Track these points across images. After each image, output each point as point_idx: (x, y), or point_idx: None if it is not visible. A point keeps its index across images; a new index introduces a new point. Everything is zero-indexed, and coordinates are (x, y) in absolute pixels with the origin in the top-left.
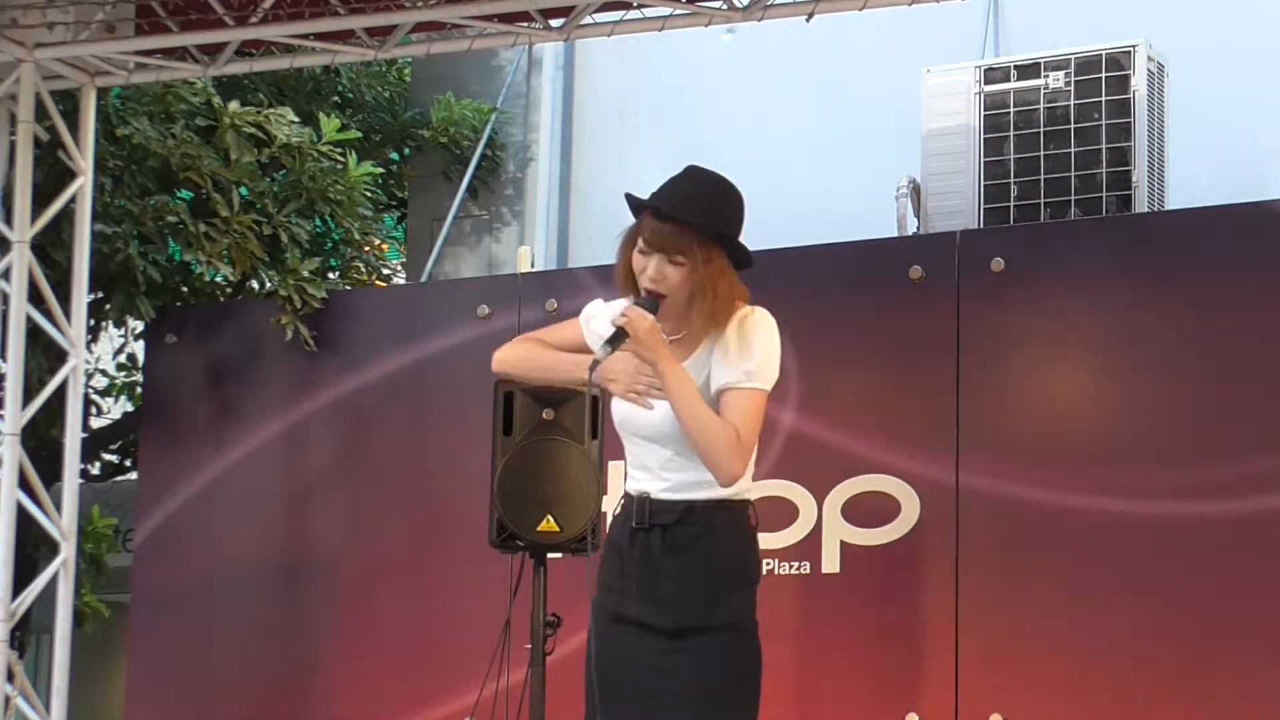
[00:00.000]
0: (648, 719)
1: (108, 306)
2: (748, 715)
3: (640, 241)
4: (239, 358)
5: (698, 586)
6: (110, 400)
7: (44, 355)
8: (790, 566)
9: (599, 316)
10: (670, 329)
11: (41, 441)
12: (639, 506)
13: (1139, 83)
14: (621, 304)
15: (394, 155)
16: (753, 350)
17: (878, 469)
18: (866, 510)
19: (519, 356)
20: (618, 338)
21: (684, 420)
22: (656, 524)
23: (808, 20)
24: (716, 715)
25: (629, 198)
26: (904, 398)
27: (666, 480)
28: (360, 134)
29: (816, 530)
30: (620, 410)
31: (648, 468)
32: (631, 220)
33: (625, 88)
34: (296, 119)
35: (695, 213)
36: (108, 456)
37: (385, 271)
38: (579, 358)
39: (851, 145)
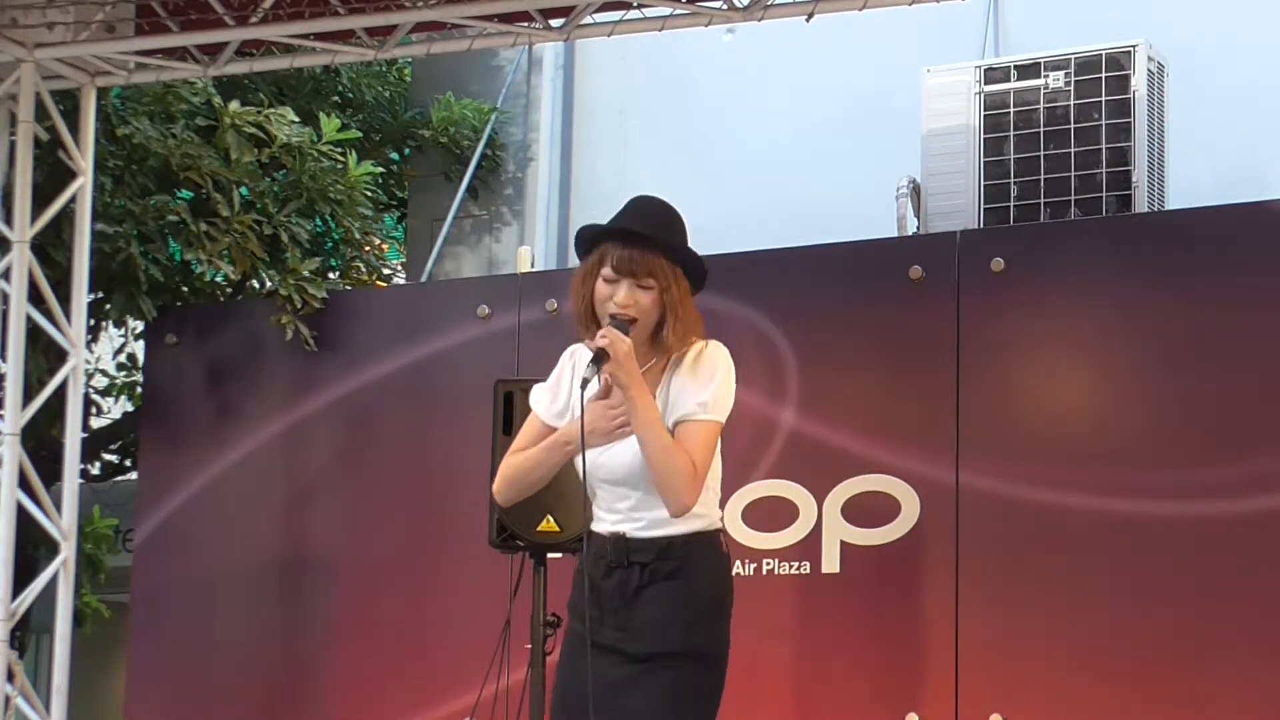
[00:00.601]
0: None
1: (108, 306)
2: None
3: (607, 270)
4: (239, 358)
5: (674, 614)
6: (110, 400)
7: (44, 355)
8: (790, 566)
9: (543, 388)
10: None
11: (41, 441)
12: (615, 545)
13: (1139, 83)
14: (563, 366)
15: (394, 155)
16: (709, 383)
17: (878, 469)
18: (866, 510)
19: (507, 480)
20: (599, 359)
21: (648, 446)
22: (635, 561)
23: (808, 20)
24: None
25: (583, 230)
26: (904, 398)
27: (640, 520)
28: (360, 134)
29: (816, 530)
30: (590, 459)
31: (617, 510)
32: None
33: (625, 88)
34: (297, 119)
35: (661, 235)
36: (108, 456)
37: (385, 271)
38: (551, 438)
39: (851, 145)
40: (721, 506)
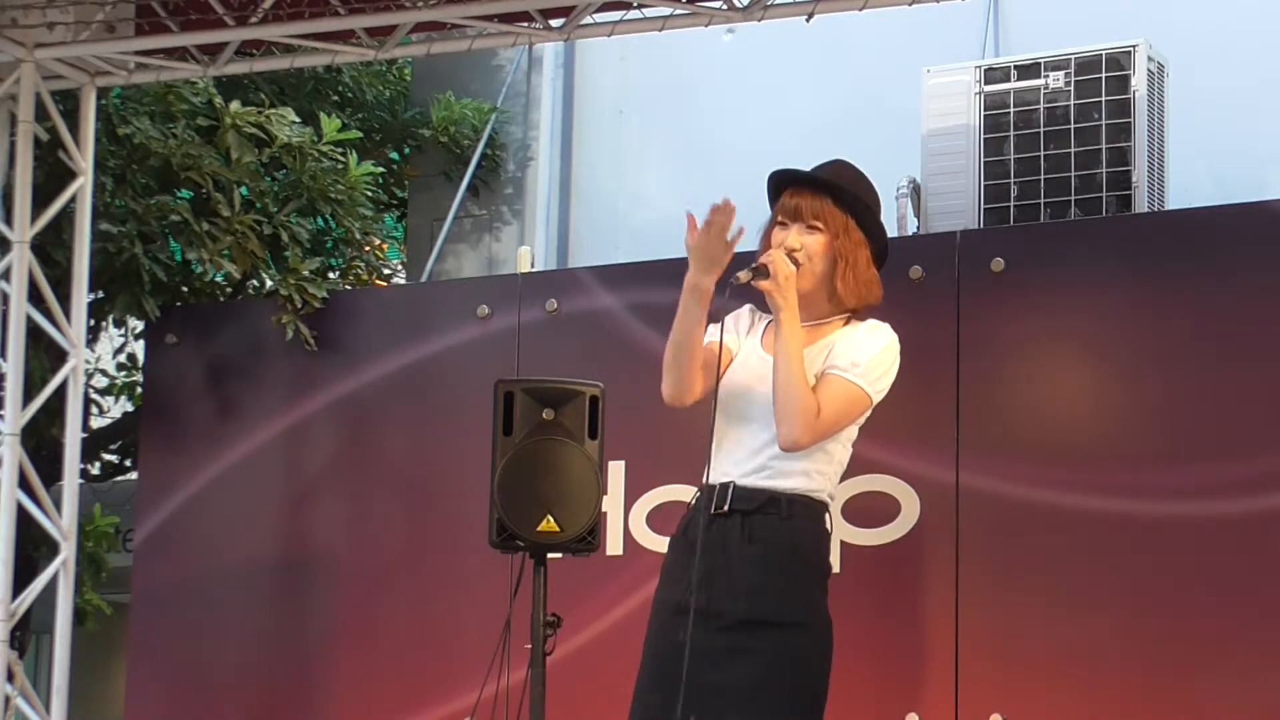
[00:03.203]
0: (700, 708)
1: (107, 307)
2: (809, 713)
3: (778, 217)
4: (239, 358)
5: (772, 578)
6: (110, 400)
7: (44, 355)
8: None
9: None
10: (804, 314)
11: (41, 441)
12: (720, 492)
13: (1139, 83)
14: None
15: (394, 155)
16: (868, 352)
17: (878, 469)
18: (866, 510)
19: (665, 367)
20: (759, 272)
21: (778, 371)
22: (736, 509)
23: (808, 20)
24: (771, 715)
25: (773, 175)
26: (904, 398)
27: (753, 464)
28: (361, 134)
29: None
30: (740, 382)
31: (734, 455)
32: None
33: (625, 88)
34: (297, 119)
35: (835, 182)
36: (108, 456)
37: (385, 271)
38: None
39: (851, 145)
40: None
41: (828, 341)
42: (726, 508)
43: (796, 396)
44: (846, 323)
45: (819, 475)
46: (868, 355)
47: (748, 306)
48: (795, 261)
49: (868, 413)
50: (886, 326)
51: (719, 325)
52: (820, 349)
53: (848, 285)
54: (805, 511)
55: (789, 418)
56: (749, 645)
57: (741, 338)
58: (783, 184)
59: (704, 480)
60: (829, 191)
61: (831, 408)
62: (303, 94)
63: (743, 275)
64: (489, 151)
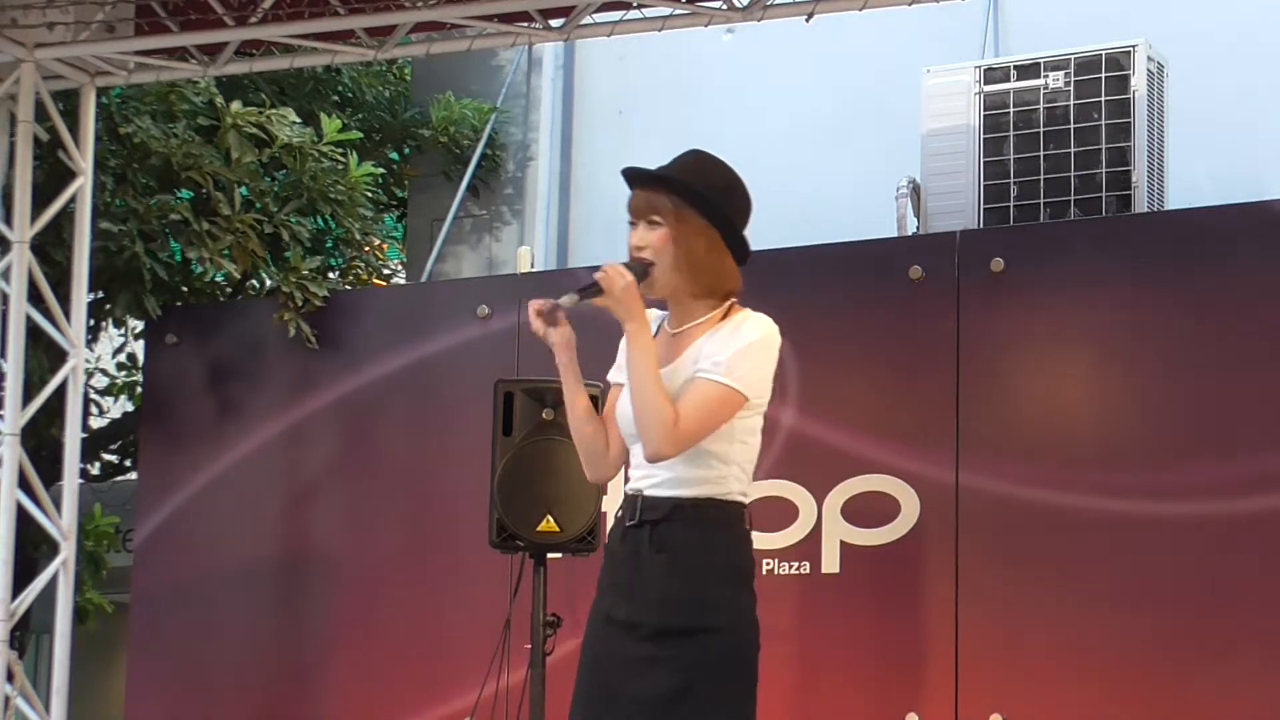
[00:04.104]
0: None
1: (108, 306)
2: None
3: (628, 217)
4: (239, 358)
5: (683, 586)
6: (110, 400)
7: (44, 355)
8: (790, 566)
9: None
10: (673, 322)
11: (41, 441)
12: (629, 504)
13: (1139, 83)
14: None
15: (394, 155)
16: (731, 348)
17: (878, 469)
18: (866, 510)
19: (581, 456)
20: (589, 291)
21: (631, 384)
22: (646, 520)
23: (807, 20)
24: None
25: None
26: (904, 398)
27: (657, 476)
28: (361, 134)
29: (816, 530)
30: (621, 409)
31: (640, 466)
32: None
33: (625, 88)
34: (298, 119)
35: (667, 173)
36: (108, 456)
37: (385, 271)
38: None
39: (851, 145)
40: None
41: (699, 344)
42: (637, 519)
43: (651, 409)
44: (725, 315)
45: (721, 479)
46: (729, 352)
47: (651, 312)
48: (645, 261)
49: (752, 408)
50: (759, 317)
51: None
52: (692, 354)
53: (683, 275)
54: (714, 515)
55: (645, 430)
56: (663, 655)
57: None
58: (628, 185)
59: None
60: (657, 182)
61: (692, 412)
62: (303, 94)
63: (565, 300)
64: (489, 151)
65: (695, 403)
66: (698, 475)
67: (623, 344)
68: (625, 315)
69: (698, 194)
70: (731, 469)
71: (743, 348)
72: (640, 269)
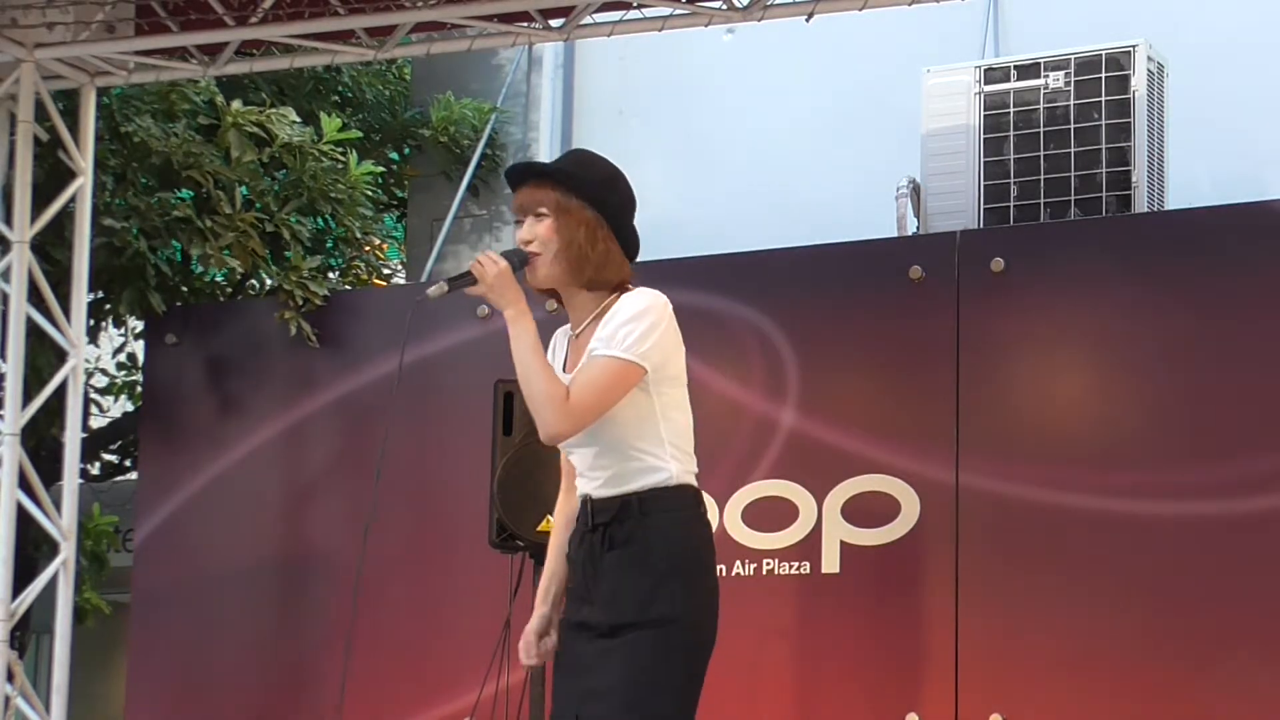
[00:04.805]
0: (579, 713)
1: (108, 306)
2: (675, 707)
3: (516, 216)
4: (239, 358)
5: (632, 582)
6: (110, 400)
7: (44, 355)
8: (790, 566)
9: None
10: (573, 324)
11: (41, 441)
12: (583, 510)
13: (1139, 83)
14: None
15: (394, 155)
16: (617, 321)
17: (878, 469)
18: (866, 510)
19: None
20: (461, 280)
21: (517, 369)
22: (598, 523)
23: (808, 20)
24: (632, 710)
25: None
26: (904, 398)
27: (598, 478)
28: (361, 134)
29: (816, 530)
30: None
31: (583, 472)
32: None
33: (625, 88)
34: (298, 119)
35: (549, 167)
36: (108, 456)
37: (385, 271)
38: None
39: (851, 145)
40: (721, 504)
41: (595, 333)
42: (590, 523)
43: (538, 389)
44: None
45: (659, 466)
46: (615, 325)
47: (558, 333)
48: (525, 252)
49: (664, 380)
50: (642, 290)
51: None
52: (590, 348)
53: (567, 264)
54: (663, 504)
55: (537, 411)
56: (613, 647)
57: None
58: (511, 184)
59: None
60: (538, 175)
61: (585, 388)
62: (303, 94)
63: (432, 291)
64: (489, 151)
65: (586, 378)
66: (634, 468)
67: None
68: (501, 302)
69: (579, 183)
70: (665, 450)
71: (626, 319)
72: (519, 258)
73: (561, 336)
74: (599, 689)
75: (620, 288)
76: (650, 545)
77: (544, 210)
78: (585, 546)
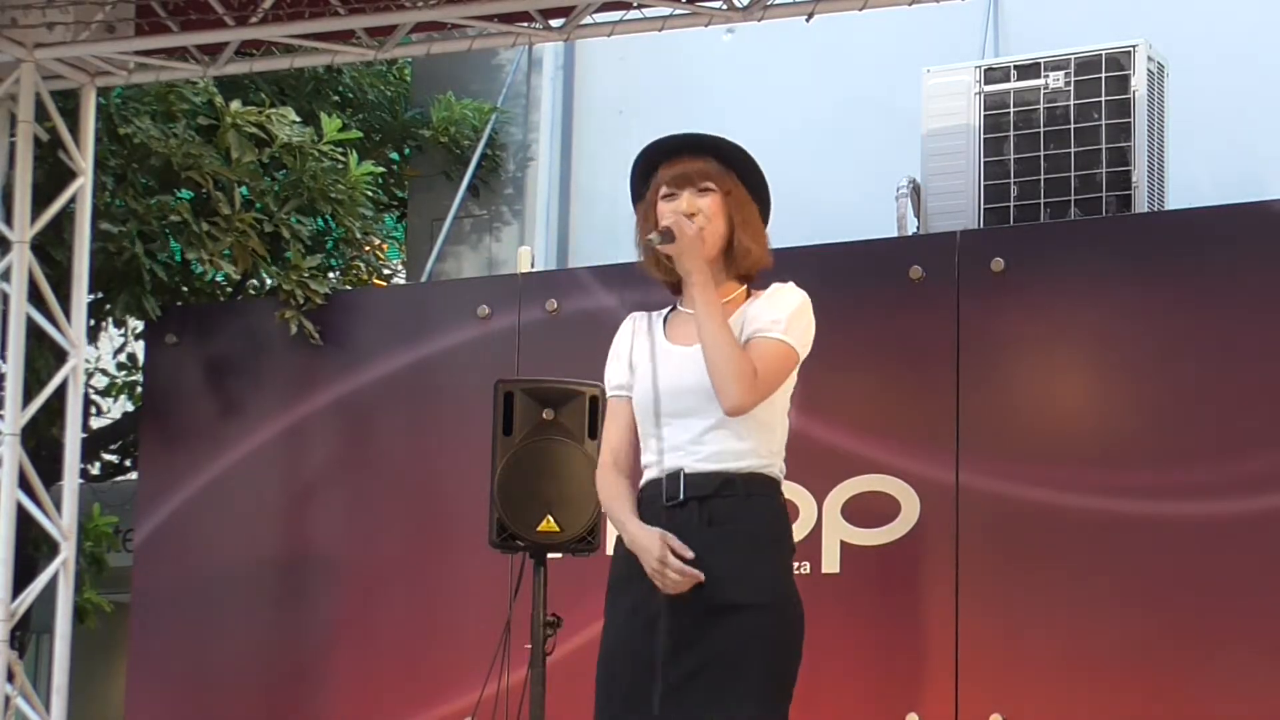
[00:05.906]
0: (673, 700)
1: (108, 306)
2: (781, 694)
3: (663, 189)
4: (239, 358)
5: (734, 561)
6: (110, 400)
7: (44, 355)
8: None
9: (609, 363)
10: (689, 302)
11: (41, 441)
12: (670, 483)
13: (1139, 83)
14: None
15: (394, 155)
16: (786, 309)
17: (878, 469)
18: (866, 510)
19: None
20: (664, 236)
21: (705, 340)
22: (692, 496)
23: (808, 20)
24: (749, 699)
25: (636, 160)
26: (904, 398)
27: (700, 451)
28: (361, 134)
29: (816, 530)
30: (669, 384)
31: (679, 446)
32: None
33: (625, 88)
34: (298, 119)
35: (709, 142)
36: (108, 456)
37: (385, 271)
38: (610, 512)
39: (851, 145)
40: None
41: (738, 314)
42: (681, 496)
43: (732, 359)
44: (748, 294)
45: (768, 453)
46: (787, 311)
47: (624, 325)
48: (695, 226)
49: (795, 372)
50: (793, 285)
51: (605, 377)
52: (733, 322)
53: (743, 244)
54: (762, 489)
55: (728, 381)
56: (715, 632)
57: (636, 354)
58: (656, 157)
59: (644, 478)
60: (711, 151)
61: (766, 367)
62: (303, 94)
63: (653, 237)
64: (489, 152)
65: (769, 358)
66: (748, 449)
67: (613, 349)
68: (692, 267)
69: (754, 165)
70: (777, 444)
71: (797, 309)
72: (666, 232)
73: (641, 321)
74: (698, 672)
75: (749, 278)
76: (757, 527)
77: (710, 185)
78: (673, 523)
